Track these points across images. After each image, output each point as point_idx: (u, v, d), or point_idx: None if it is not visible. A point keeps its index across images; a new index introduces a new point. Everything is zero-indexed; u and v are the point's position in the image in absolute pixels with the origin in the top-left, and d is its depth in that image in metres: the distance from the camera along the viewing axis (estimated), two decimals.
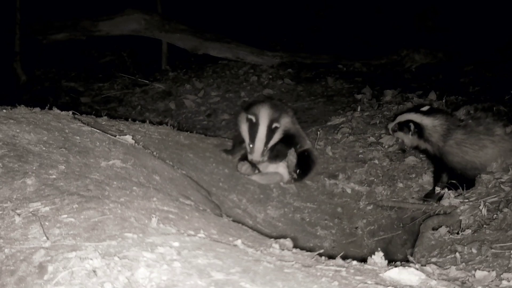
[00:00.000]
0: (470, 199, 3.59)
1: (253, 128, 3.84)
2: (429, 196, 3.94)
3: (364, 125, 5.27)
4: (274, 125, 3.86)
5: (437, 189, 3.89)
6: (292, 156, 4.03)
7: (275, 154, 4.01)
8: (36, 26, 8.46)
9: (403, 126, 3.96)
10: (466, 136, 3.76)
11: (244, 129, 3.91)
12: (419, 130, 3.86)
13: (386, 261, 2.04)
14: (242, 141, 4.05)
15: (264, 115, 3.84)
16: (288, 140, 4.03)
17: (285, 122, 3.99)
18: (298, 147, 4.10)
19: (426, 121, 3.84)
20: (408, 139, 3.99)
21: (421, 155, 4.33)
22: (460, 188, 3.71)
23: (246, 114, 3.90)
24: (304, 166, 4.12)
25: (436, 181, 4.02)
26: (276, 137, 3.92)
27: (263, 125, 3.82)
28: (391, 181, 4.31)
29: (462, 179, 3.75)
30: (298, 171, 4.08)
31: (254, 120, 3.83)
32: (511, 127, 3.78)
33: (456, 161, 3.81)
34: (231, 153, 4.15)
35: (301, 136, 4.22)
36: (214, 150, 4.20)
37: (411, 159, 4.49)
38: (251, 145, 3.87)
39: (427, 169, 4.29)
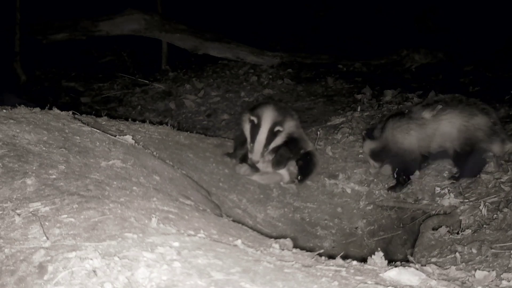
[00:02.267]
0: (470, 199, 3.59)
1: (255, 129, 3.86)
2: (394, 189, 4.12)
3: (364, 125, 5.26)
4: (277, 128, 3.89)
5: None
6: (292, 167, 4.09)
7: (278, 159, 4.03)
8: (36, 26, 8.46)
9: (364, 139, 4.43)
10: (396, 124, 4.07)
11: (247, 128, 3.94)
12: (369, 134, 4.32)
13: (386, 261, 2.04)
14: (243, 142, 4.06)
15: (267, 118, 3.87)
16: (292, 144, 4.05)
17: (289, 126, 4.01)
18: (302, 151, 4.11)
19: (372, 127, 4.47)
20: (370, 144, 4.30)
21: None
22: (396, 175, 4.07)
23: (249, 114, 3.92)
24: (306, 169, 4.14)
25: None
26: (278, 140, 3.95)
27: (264, 127, 3.85)
28: (391, 181, 4.30)
29: (397, 162, 4.09)
30: (299, 176, 4.11)
31: (256, 121, 3.85)
32: (437, 108, 3.93)
33: (388, 147, 4.13)
34: (234, 156, 4.15)
35: (304, 140, 4.24)
36: (214, 150, 4.20)
37: None
38: (251, 144, 3.90)
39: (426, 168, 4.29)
